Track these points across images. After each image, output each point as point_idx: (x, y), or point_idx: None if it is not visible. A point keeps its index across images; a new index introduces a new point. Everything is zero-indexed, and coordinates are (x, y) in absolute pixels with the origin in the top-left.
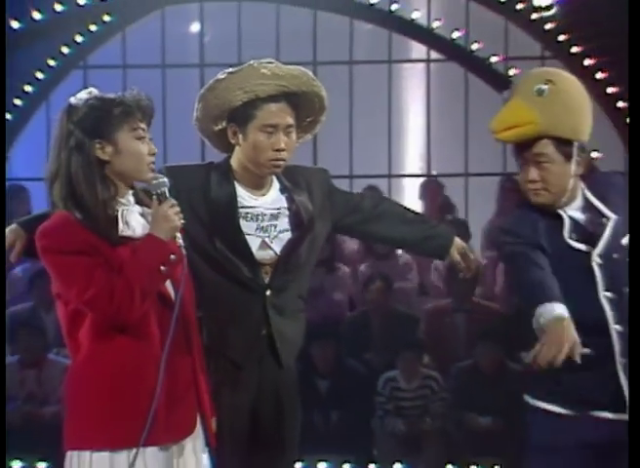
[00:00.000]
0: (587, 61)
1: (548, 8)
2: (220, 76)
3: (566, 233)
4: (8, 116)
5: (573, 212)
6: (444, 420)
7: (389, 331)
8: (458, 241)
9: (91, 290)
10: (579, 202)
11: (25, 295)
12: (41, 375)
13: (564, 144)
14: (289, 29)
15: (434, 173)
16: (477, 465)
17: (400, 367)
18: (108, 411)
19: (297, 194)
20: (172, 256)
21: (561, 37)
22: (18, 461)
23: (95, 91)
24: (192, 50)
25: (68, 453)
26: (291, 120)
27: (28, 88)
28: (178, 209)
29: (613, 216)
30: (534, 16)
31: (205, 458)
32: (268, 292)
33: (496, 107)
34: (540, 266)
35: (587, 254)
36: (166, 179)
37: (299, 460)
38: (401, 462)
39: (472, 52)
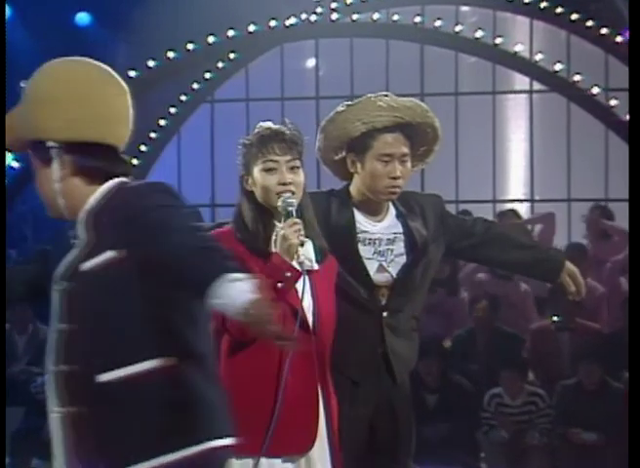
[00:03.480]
0: None
1: None
2: (340, 108)
3: None
4: (144, 147)
5: None
6: (549, 435)
7: (495, 349)
8: (568, 265)
9: None
10: None
11: None
12: None
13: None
14: (397, 63)
15: (537, 198)
16: None
17: (504, 384)
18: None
19: (411, 219)
20: (287, 274)
21: None
22: None
23: (263, 124)
24: (308, 83)
25: None
26: (406, 149)
27: (162, 122)
28: (297, 227)
29: None
30: None
31: None
32: (385, 314)
33: (597, 135)
34: None
35: None
36: (293, 200)
37: None
38: None
39: (574, 83)
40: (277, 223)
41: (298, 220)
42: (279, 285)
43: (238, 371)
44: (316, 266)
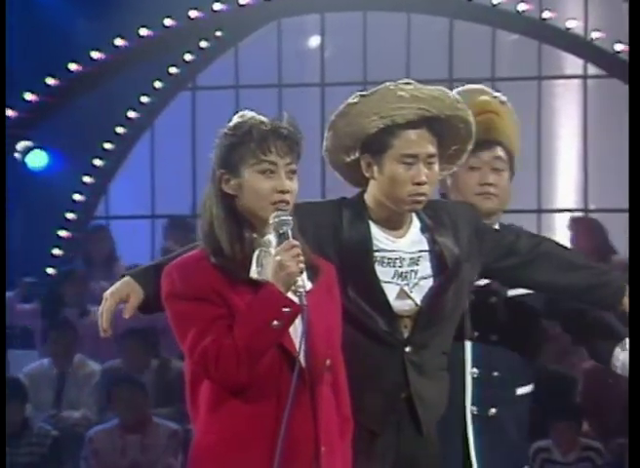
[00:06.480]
0: None
1: None
2: (352, 100)
3: None
4: (109, 145)
5: None
6: None
7: (541, 391)
8: None
9: (201, 345)
10: None
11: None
12: (144, 441)
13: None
14: (421, 42)
15: (592, 207)
16: None
17: (554, 436)
18: None
19: (440, 234)
20: (285, 309)
21: None
22: None
23: (248, 113)
24: (312, 67)
25: None
26: (433, 149)
27: (132, 114)
28: (296, 251)
29: None
30: None
31: None
32: (408, 349)
33: None
34: None
35: None
36: (288, 217)
37: None
38: None
39: None
40: (261, 239)
41: (296, 242)
42: (274, 323)
43: (225, 426)
44: (309, 286)
